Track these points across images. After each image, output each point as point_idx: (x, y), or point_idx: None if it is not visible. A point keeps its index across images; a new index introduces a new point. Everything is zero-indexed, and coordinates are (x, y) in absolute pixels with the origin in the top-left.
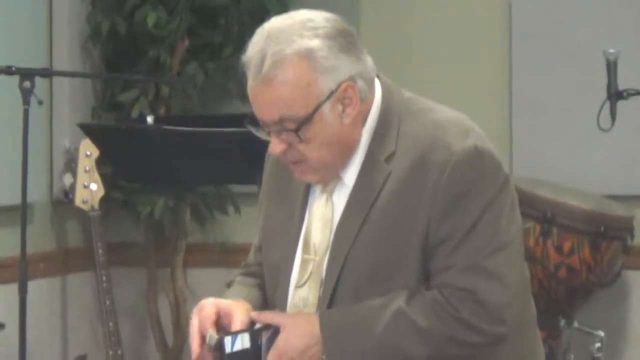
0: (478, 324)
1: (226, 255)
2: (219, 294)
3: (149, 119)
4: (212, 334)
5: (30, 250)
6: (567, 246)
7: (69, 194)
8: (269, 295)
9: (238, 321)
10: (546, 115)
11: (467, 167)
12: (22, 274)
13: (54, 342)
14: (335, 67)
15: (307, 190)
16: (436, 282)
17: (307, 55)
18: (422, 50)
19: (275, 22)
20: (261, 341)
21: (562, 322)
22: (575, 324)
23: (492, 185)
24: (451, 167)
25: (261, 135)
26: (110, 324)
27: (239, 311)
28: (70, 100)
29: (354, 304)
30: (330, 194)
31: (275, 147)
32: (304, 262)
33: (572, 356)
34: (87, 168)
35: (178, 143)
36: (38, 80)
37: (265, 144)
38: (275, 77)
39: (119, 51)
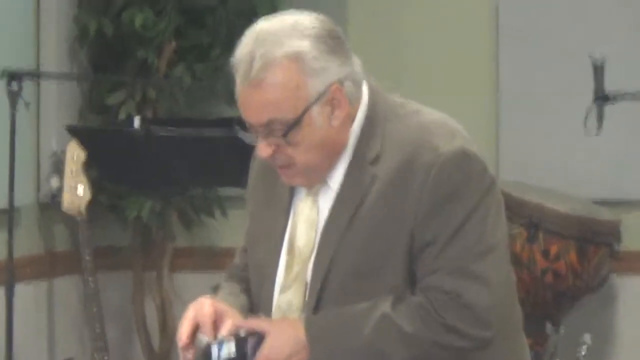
0: (463, 329)
1: (213, 258)
2: None
3: (136, 122)
4: (201, 338)
5: (17, 253)
6: (553, 251)
7: (55, 197)
8: (254, 296)
9: (226, 326)
10: (533, 119)
11: (454, 169)
12: (9, 277)
13: (41, 345)
14: (324, 69)
15: (293, 192)
16: (422, 285)
17: (297, 57)
18: (409, 53)
19: (264, 24)
20: (247, 348)
21: (549, 327)
22: (562, 329)
23: (478, 187)
24: (437, 169)
25: (249, 138)
26: (97, 327)
27: (229, 318)
28: (57, 102)
29: (339, 307)
30: (316, 196)
31: (263, 150)
32: (289, 265)
33: None
34: (74, 171)
35: (165, 146)
36: (25, 82)
37: (252, 147)
38: (264, 80)
39: (106, 53)
